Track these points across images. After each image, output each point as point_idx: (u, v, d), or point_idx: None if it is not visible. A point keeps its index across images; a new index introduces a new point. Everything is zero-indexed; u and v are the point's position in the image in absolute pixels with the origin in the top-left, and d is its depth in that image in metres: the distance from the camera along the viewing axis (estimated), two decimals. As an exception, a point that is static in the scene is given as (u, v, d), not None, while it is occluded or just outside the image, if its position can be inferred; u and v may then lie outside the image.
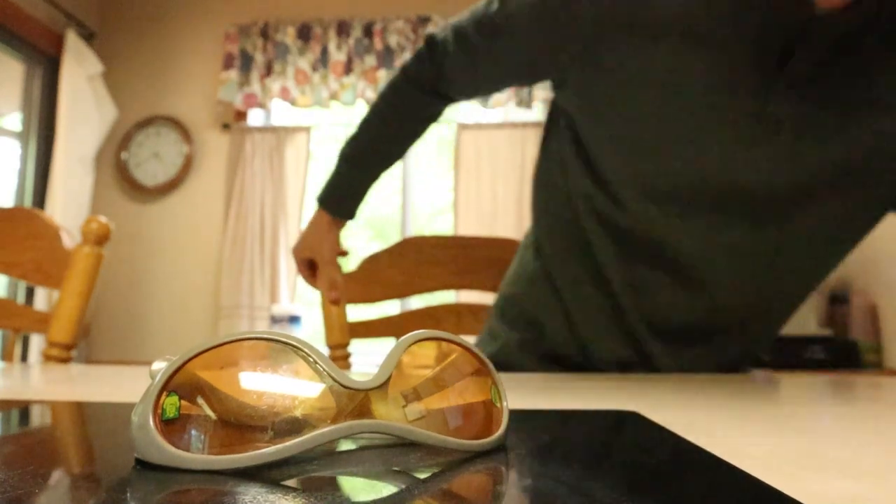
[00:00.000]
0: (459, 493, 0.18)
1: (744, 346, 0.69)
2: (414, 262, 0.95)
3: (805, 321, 2.30)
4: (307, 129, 2.80)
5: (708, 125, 0.53)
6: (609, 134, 0.58)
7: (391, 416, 0.21)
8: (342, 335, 0.89)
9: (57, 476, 0.18)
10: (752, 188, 0.55)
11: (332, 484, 0.18)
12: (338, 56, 2.78)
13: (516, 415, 0.31)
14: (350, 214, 0.80)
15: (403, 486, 0.18)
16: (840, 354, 2.21)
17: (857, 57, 0.50)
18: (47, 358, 0.88)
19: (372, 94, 2.75)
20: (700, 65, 0.51)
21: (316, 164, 2.91)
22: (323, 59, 2.79)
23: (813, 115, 0.51)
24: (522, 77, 0.66)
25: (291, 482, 0.18)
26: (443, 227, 2.99)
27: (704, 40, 0.51)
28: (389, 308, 2.42)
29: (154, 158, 2.88)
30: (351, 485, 0.18)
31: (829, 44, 0.49)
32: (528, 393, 0.45)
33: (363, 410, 0.20)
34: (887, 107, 0.51)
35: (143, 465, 0.19)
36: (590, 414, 0.33)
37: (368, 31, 2.79)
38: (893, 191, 0.57)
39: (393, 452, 0.22)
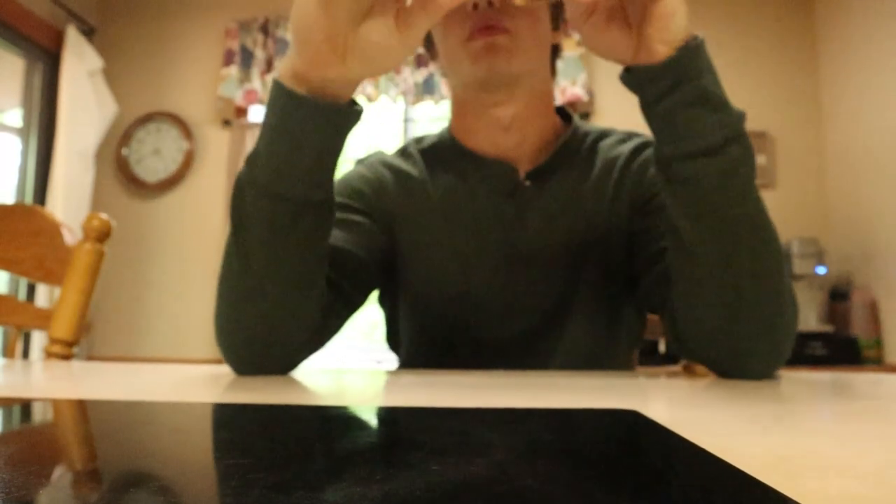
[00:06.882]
0: (455, 493, 0.18)
1: None
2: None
3: (806, 317, 2.30)
4: (308, 126, 2.79)
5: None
6: None
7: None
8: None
9: (58, 474, 0.18)
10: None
11: (324, 481, 0.18)
12: (338, 52, 2.77)
13: (514, 414, 0.31)
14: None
15: (397, 485, 0.18)
16: (840, 350, 2.21)
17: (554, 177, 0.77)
18: (49, 355, 0.88)
19: (371, 90, 2.74)
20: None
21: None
22: (323, 55, 2.78)
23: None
24: None
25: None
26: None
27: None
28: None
29: (155, 155, 2.88)
30: (345, 477, 0.18)
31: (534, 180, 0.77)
32: (527, 391, 0.45)
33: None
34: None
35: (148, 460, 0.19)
36: (589, 413, 0.33)
37: (369, 27, 2.78)
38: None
39: (392, 451, 0.22)
